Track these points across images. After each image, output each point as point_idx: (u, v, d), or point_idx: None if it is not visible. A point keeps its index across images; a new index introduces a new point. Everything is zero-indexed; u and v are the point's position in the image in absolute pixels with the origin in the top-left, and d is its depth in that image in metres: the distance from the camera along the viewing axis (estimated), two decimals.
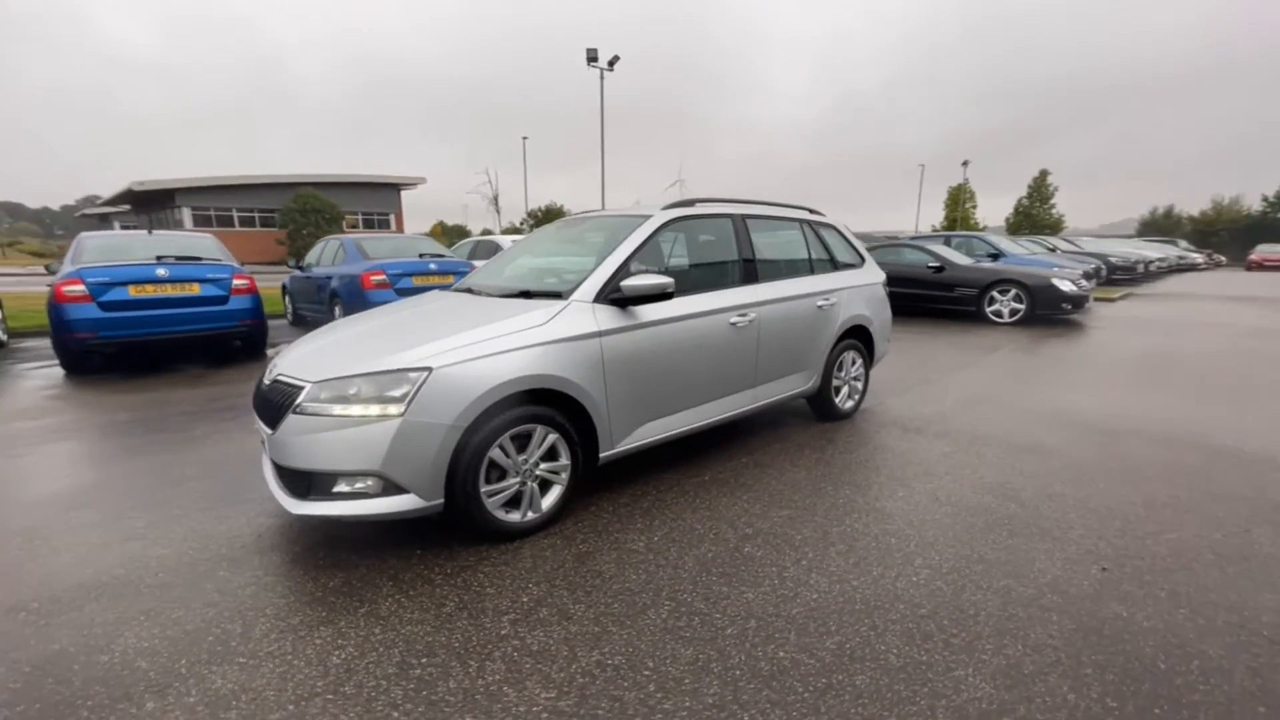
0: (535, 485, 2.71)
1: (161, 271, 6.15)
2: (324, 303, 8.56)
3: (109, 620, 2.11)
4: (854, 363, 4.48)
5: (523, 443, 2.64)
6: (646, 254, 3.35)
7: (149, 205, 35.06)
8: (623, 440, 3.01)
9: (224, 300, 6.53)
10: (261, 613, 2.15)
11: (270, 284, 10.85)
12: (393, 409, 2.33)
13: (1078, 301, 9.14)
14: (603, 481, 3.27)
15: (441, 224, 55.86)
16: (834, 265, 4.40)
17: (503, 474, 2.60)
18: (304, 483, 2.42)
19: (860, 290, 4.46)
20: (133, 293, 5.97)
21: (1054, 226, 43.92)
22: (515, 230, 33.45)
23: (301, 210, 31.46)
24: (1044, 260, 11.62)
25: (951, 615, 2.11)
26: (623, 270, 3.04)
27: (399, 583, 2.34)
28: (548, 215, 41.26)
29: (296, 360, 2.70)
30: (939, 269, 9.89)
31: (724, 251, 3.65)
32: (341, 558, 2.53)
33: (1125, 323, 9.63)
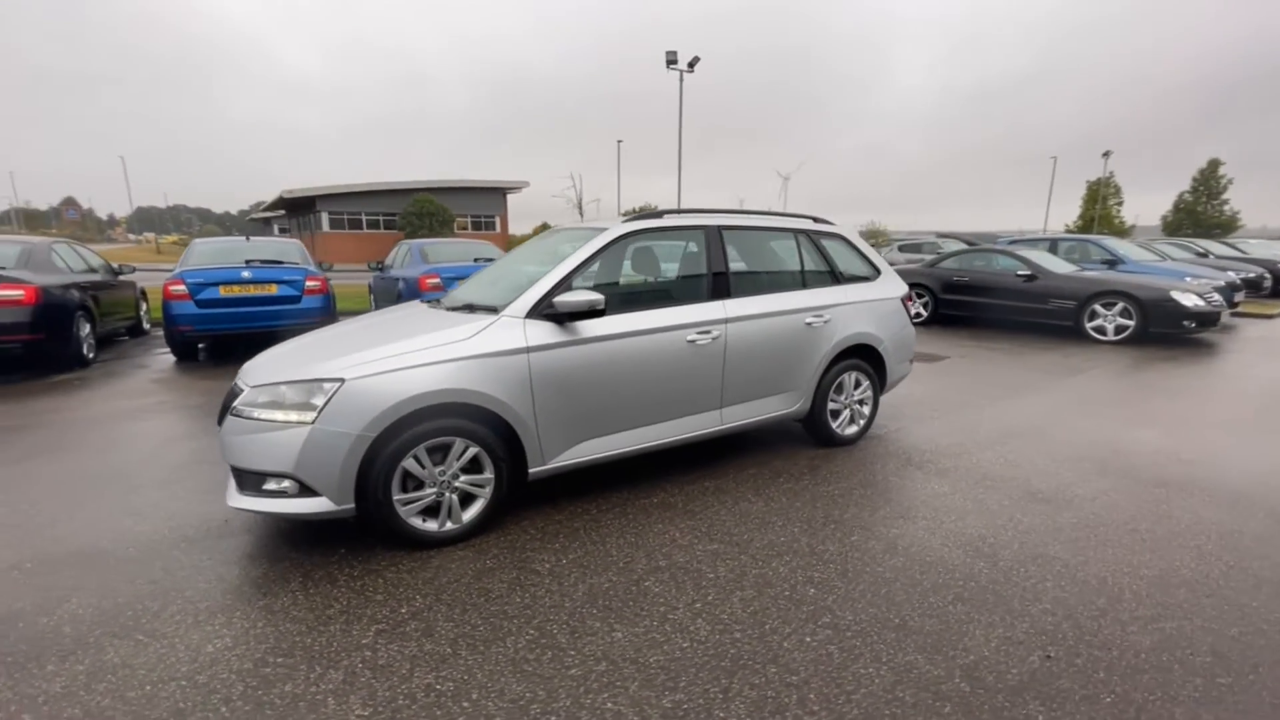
0: (455, 497, 2.76)
1: (246, 274, 7.00)
2: (397, 301, 9.32)
3: (68, 586, 2.44)
4: (858, 385, 4.10)
5: (443, 454, 2.70)
6: (602, 268, 3.29)
7: (297, 210, 39.93)
8: (556, 457, 2.98)
9: (297, 299, 7.29)
10: (180, 594, 2.39)
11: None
12: (307, 415, 2.48)
13: (1205, 318, 7.70)
14: (547, 495, 3.26)
15: (545, 225, 58.43)
16: (835, 279, 4.05)
17: (420, 484, 2.68)
18: (240, 478, 2.65)
19: (867, 306, 4.08)
20: (222, 292, 6.85)
21: (1225, 226, 37.35)
22: None
23: (418, 213, 34.44)
24: (1171, 269, 9.90)
25: (822, 689, 1.87)
26: (563, 285, 3.01)
27: (307, 580, 2.49)
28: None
29: (256, 364, 2.96)
30: (1030, 278, 8.77)
31: (691, 265, 3.50)
32: (278, 550, 2.74)
33: (1272, 346, 7.98)
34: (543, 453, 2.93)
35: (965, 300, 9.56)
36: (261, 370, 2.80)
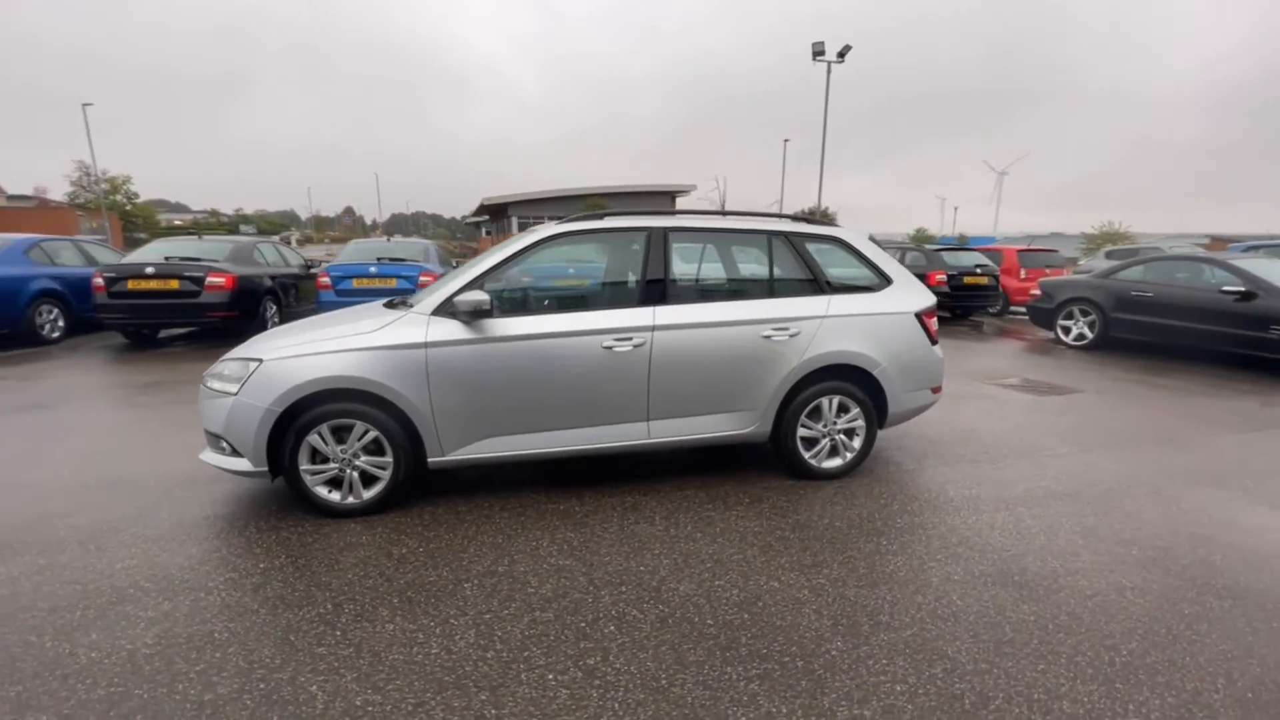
0: (356, 474, 3.03)
1: (373, 269, 8.28)
2: None
3: (71, 504, 3.21)
4: (843, 412, 3.53)
5: (346, 434, 2.99)
6: (533, 269, 3.31)
7: (495, 214, 45.69)
8: (456, 451, 3.10)
9: (412, 292, 8.43)
10: (123, 519, 2.99)
11: None
12: (233, 388, 2.94)
13: None
14: (478, 486, 3.39)
15: None
16: (818, 287, 3.53)
17: (326, 459, 3.00)
18: (206, 437, 3.23)
19: (860, 320, 3.48)
20: (355, 284, 8.20)
21: None
22: None
23: (589, 217, 37.09)
24: None
25: None
26: (473, 285, 3.10)
27: (232, 528, 2.95)
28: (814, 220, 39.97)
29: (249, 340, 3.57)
30: (1245, 296, 6.56)
31: (627, 269, 3.34)
32: (237, 499, 3.27)
33: None
34: (441, 444, 3.07)
35: (1146, 321, 7.50)
36: (242, 346, 3.37)
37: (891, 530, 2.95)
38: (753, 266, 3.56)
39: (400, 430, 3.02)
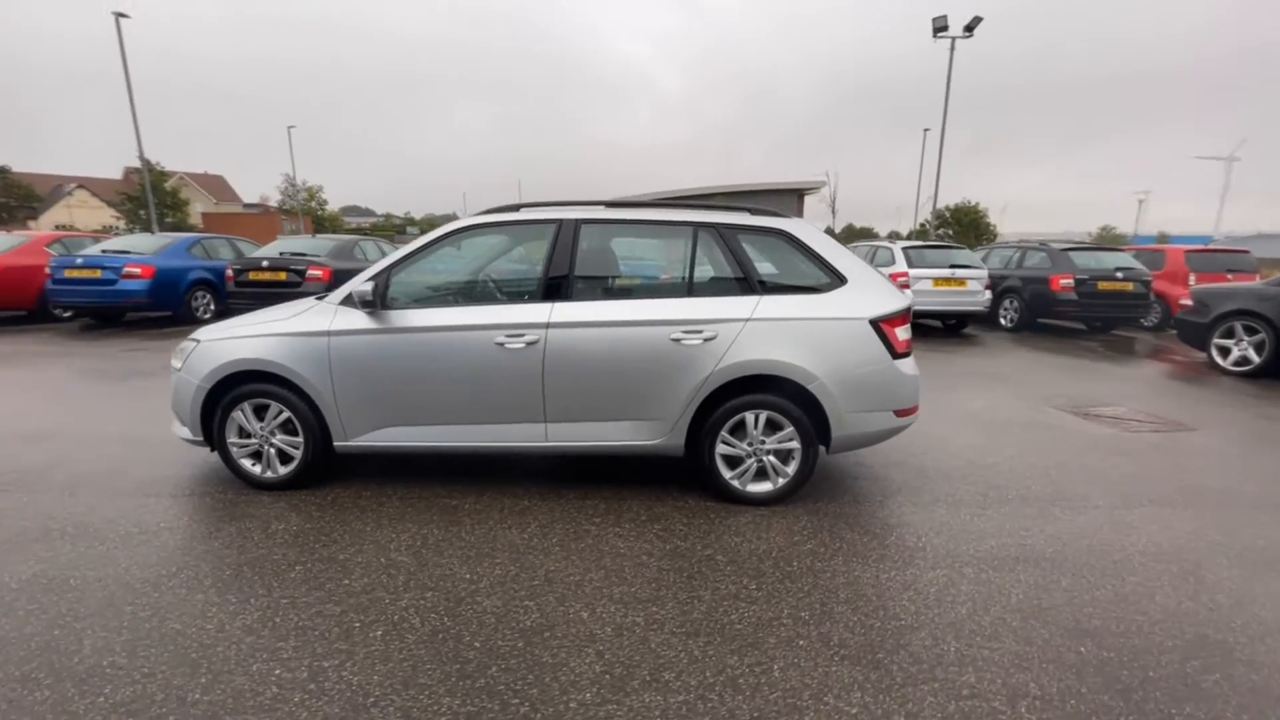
0: (273, 451, 3.25)
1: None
2: None
3: (85, 450, 3.81)
4: (773, 430, 3.07)
5: (265, 413, 3.22)
6: (446, 261, 3.30)
7: None
8: (358, 436, 3.19)
9: None
10: (123, 478, 3.48)
11: None
12: (177, 364, 3.30)
13: None
14: (399, 474, 3.48)
15: (849, 226, 55.12)
16: (747, 286, 3.08)
17: (249, 434, 3.26)
18: None
19: (795, 326, 3.00)
20: None
21: None
22: (922, 232, 29.91)
23: None
24: None
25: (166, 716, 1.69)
26: (381, 276, 3.16)
27: (178, 488, 3.32)
28: (959, 216, 35.84)
29: None
30: None
31: (533, 263, 3.18)
32: (210, 461, 3.67)
33: None
34: (345, 429, 3.18)
35: None
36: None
37: (778, 573, 2.49)
38: (668, 262, 3.23)
39: (310, 413, 3.18)
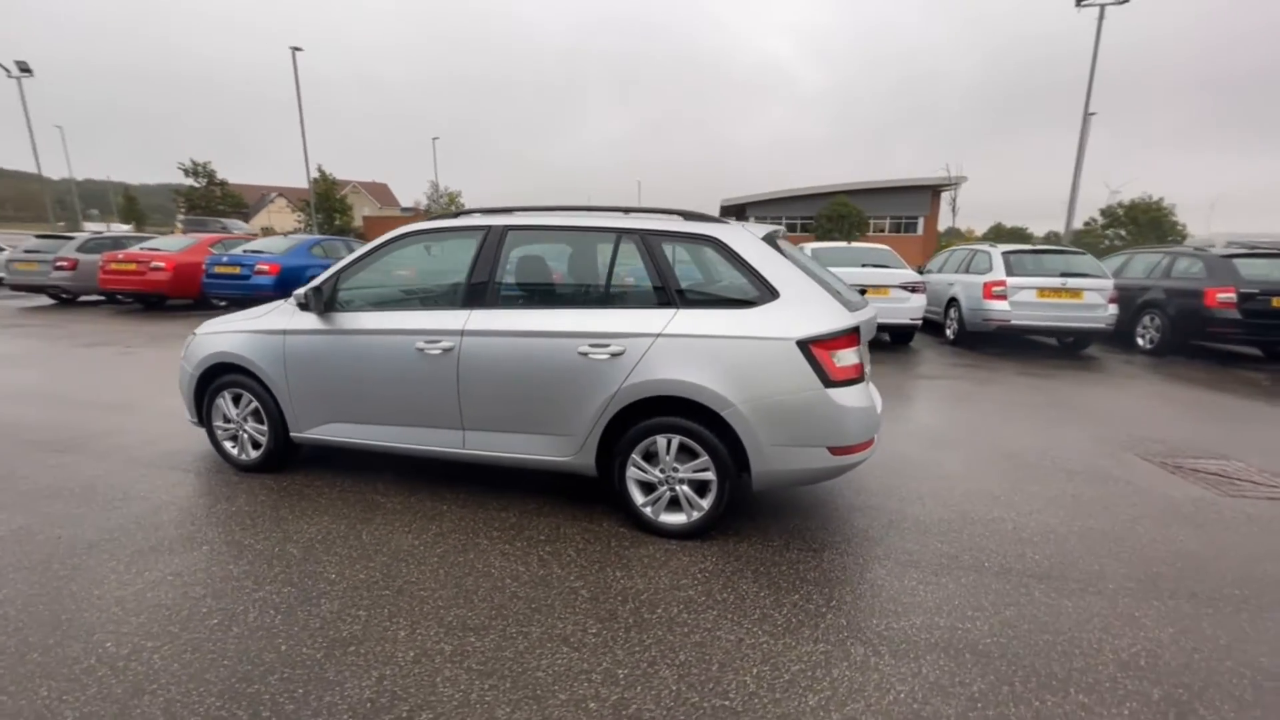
0: (246, 436, 3.57)
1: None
2: None
3: (142, 421, 4.45)
4: (687, 458, 2.77)
5: (240, 401, 3.56)
6: (381, 266, 3.39)
7: (736, 215, 46.28)
8: (310, 429, 3.40)
9: None
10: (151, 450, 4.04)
11: None
12: (182, 353, 3.75)
13: None
14: (359, 467, 3.68)
15: (998, 226, 49.20)
16: (665, 298, 2.80)
17: (229, 419, 3.62)
18: None
19: (707, 344, 2.68)
20: None
21: None
22: (1086, 233, 25.83)
23: (830, 216, 34.84)
24: None
25: None
26: (330, 280, 3.33)
27: (181, 463, 3.78)
28: (1134, 213, 30.46)
29: None
30: None
31: (460, 269, 3.15)
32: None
33: None
34: (298, 422, 3.41)
35: None
36: None
37: (632, 619, 2.24)
38: (588, 270, 3.03)
39: (273, 405, 3.46)
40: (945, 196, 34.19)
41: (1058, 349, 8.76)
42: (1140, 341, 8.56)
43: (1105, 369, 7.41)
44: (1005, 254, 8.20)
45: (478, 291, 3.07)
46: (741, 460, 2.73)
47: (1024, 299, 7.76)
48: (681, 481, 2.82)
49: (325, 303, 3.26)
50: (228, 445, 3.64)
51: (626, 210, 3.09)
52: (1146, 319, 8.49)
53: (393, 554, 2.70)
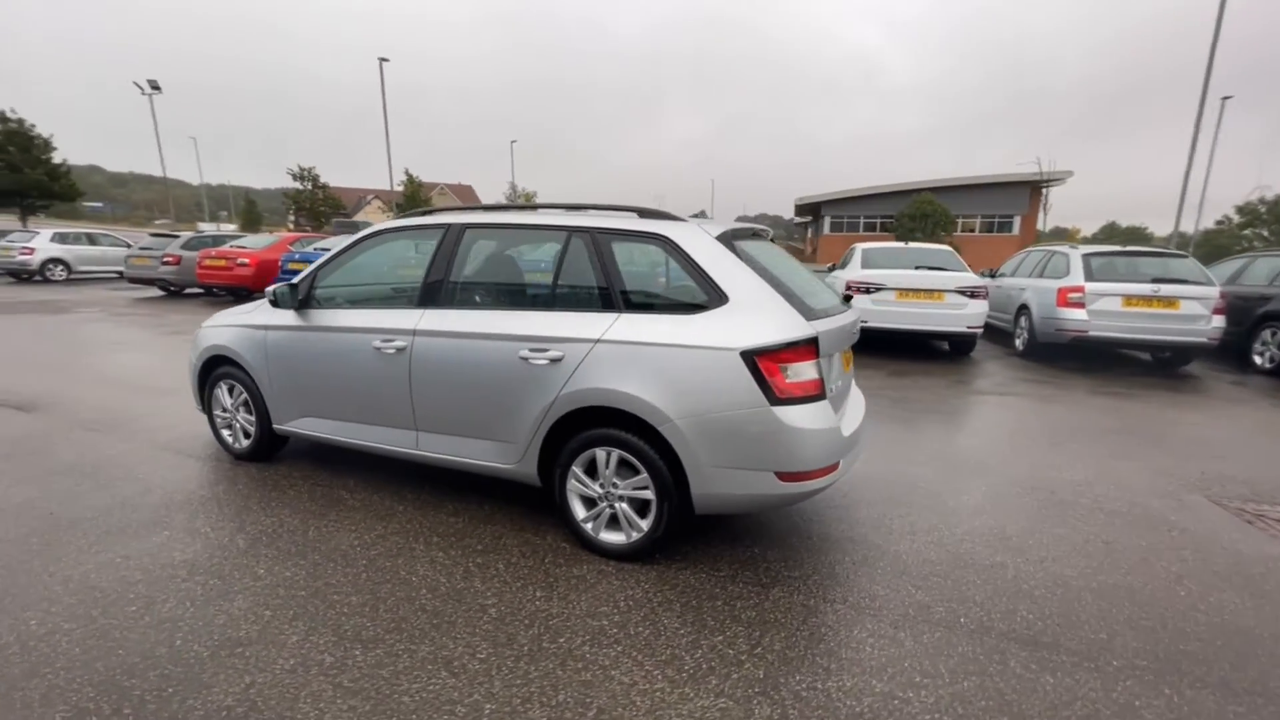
0: (239, 425, 3.73)
1: None
2: None
3: (177, 408, 4.78)
4: (627, 473, 2.57)
5: (233, 392, 3.72)
6: (353, 264, 3.41)
7: (813, 215, 44.62)
8: (288, 421, 3.48)
9: None
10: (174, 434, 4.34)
11: None
12: (191, 342, 3.97)
13: None
14: (338, 462, 3.76)
15: (1112, 225, 44.36)
16: (609, 301, 2.60)
17: (225, 409, 3.79)
18: None
19: (647, 352, 2.46)
20: None
21: None
22: (1219, 233, 22.73)
23: (913, 215, 32.82)
24: None
25: None
26: (308, 278, 3.39)
27: (190, 449, 4.03)
28: (1278, 211, 26.46)
29: None
30: None
31: (420, 268, 3.10)
32: None
33: None
34: (278, 414, 3.51)
35: None
36: None
37: (531, 647, 2.07)
38: (537, 270, 2.88)
39: (259, 396, 3.58)
40: (1053, 193, 31.19)
41: (1150, 365, 7.66)
42: (1258, 360, 7.31)
43: (1203, 390, 6.37)
44: (1086, 256, 7.25)
45: (432, 291, 3.01)
46: (683, 480, 2.49)
47: (1106, 307, 6.83)
48: (621, 499, 2.62)
49: (302, 300, 3.33)
50: (225, 434, 3.81)
51: (583, 208, 2.92)
52: (1267, 334, 7.23)
53: (328, 553, 2.69)
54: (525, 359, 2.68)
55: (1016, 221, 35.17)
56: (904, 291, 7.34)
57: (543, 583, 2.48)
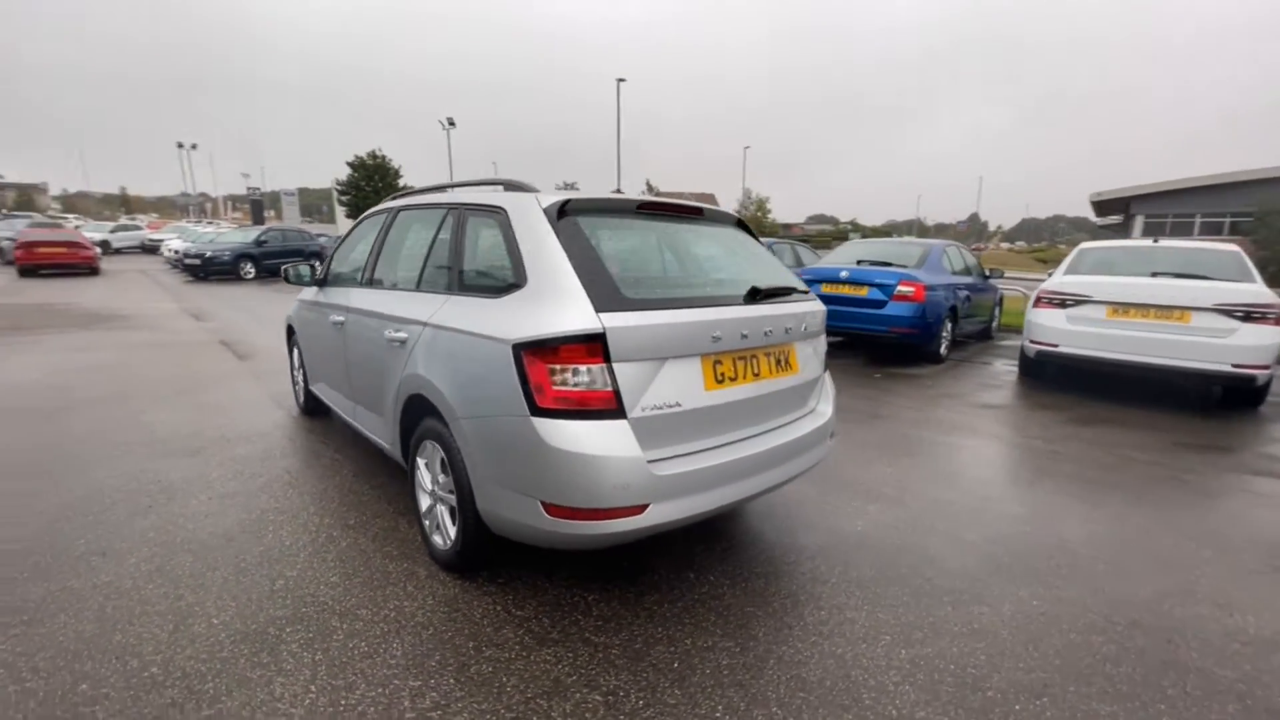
0: (300, 382, 4.41)
1: (844, 274, 6.89)
2: None
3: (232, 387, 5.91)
4: (443, 470, 2.30)
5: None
6: (350, 246, 3.69)
7: (1109, 212, 35.03)
8: (314, 384, 4.00)
9: (881, 304, 6.57)
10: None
11: None
12: None
13: None
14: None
15: None
16: (449, 281, 2.38)
17: (294, 366, 4.54)
18: None
19: (448, 339, 2.20)
20: (823, 289, 6.86)
21: None
22: None
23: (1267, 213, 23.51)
24: None
25: None
26: (328, 259, 3.84)
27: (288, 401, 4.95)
28: None
29: None
30: None
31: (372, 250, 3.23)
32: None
33: None
34: (312, 377, 4.04)
35: None
36: None
37: (268, 647, 2.00)
38: (420, 249, 2.71)
39: (301, 360, 4.22)
40: None
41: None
42: None
43: None
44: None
45: (368, 270, 3.16)
46: (461, 484, 2.14)
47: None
48: (442, 500, 2.37)
49: (311, 278, 3.80)
50: (295, 386, 4.58)
51: (478, 184, 2.71)
52: None
53: (246, 508, 2.91)
54: (390, 340, 2.61)
55: None
56: (1119, 307, 5.15)
57: (388, 579, 2.33)
